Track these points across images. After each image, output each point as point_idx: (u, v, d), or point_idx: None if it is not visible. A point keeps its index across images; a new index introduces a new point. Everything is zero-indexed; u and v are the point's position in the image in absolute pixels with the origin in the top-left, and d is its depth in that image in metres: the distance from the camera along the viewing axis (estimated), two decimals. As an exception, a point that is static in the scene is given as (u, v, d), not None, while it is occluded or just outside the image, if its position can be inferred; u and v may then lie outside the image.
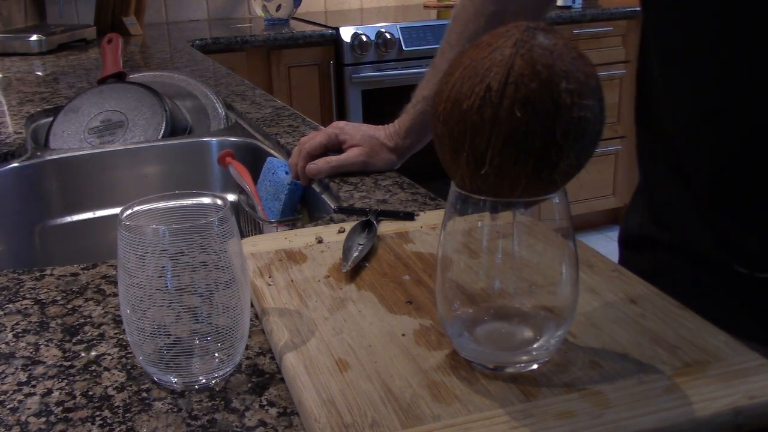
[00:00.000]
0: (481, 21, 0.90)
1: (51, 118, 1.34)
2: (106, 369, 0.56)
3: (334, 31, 2.64)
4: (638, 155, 0.81)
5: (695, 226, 0.73)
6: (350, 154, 0.98)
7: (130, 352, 0.57)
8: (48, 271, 0.73)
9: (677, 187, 0.74)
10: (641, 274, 0.69)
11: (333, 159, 0.98)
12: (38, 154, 1.20)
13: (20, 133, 1.28)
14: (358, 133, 0.99)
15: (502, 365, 0.51)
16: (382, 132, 0.99)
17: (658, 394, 0.48)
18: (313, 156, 0.99)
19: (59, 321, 0.63)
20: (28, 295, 0.68)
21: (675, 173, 0.74)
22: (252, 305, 0.62)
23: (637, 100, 0.79)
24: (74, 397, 0.52)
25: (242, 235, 0.91)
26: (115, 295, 0.68)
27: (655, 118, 0.76)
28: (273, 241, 0.75)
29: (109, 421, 0.50)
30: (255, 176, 1.07)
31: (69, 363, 0.57)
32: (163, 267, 0.49)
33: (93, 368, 0.56)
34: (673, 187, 0.75)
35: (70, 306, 0.66)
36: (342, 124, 1.01)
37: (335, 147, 1.00)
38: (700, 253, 0.73)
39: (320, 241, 0.74)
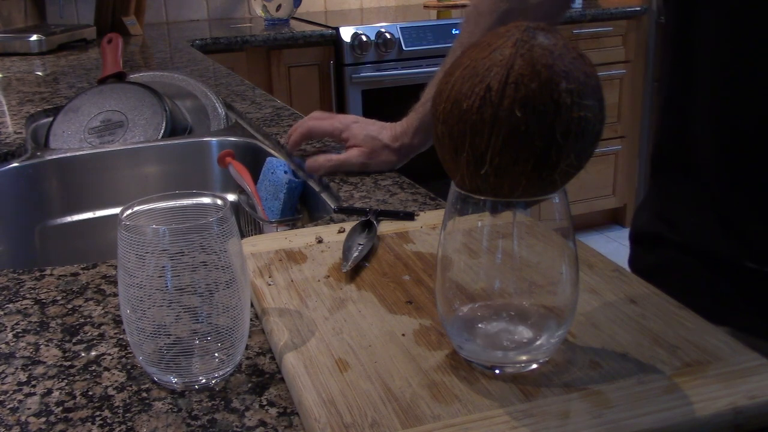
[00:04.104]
0: (491, 20, 0.89)
1: (51, 118, 1.34)
2: (106, 369, 0.56)
3: (334, 31, 2.64)
4: (651, 154, 0.81)
5: (705, 223, 0.73)
6: (350, 155, 0.98)
7: (130, 352, 0.57)
8: (48, 271, 0.73)
9: (688, 184, 0.74)
10: (649, 271, 0.69)
11: (333, 158, 0.98)
12: (38, 154, 1.20)
13: (20, 133, 1.28)
14: (361, 134, 0.99)
15: (502, 365, 0.51)
16: (388, 132, 0.98)
17: (658, 394, 0.48)
18: (311, 137, 1.03)
19: (59, 321, 0.63)
20: (28, 295, 0.68)
21: (687, 170, 0.74)
22: (252, 305, 0.62)
23: (657, 95, 0.80)
24: (74, 397, 0.52)
25: (242, 235, 0.91)
26: (115, 295, 0.68)
27: (670, 114, 0.76)
28: (273, 241, 0.75)
29: (109, 421, 0.50)
30: (255, 176, 1.07)
31: (69, 363, 0.57)
32: (163, 267, 0.49)
33: (93, 368, 0.56)
34: (684, 184, 0.75)
35: (70, 306, 0.66)
36: (351, 120, 1.01)
37: (338, 142, 1.01)
38: (709, 250, 0.73)
39: (320, 241, 0.74)
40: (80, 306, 0.66)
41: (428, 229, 0.77)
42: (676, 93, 0.74)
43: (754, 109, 0.66)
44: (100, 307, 0.65)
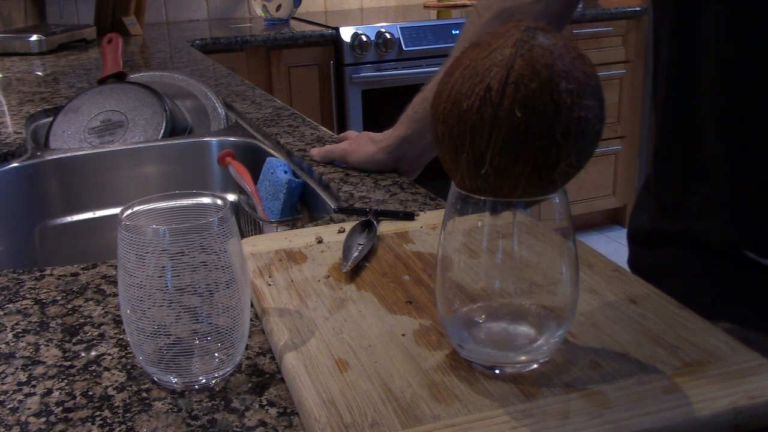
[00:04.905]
0: (488, 16, 0.89)
1: (51, 118, 1.34)
2: (106, 369, 0.56)
3: (334, 31, 2.64)
4: (654, 145, 0.81)
5: (708, 212, 0.72)
6: (337, 145, 1.04)
7: (130, 352, 0.57)
8: (48, 271, 0.73)
9: (692, 174, 0.74)
10: (650, 270, 0.69)
11: (325, 147, 1.05)
12: (38, 154, 1.20)
13: (20, 133, 1.28)
14: (357, 134, 1.04)
15: (502, 365, 0.51)
16: (380, 133, 1.00)
17: (658, 394, 0.48)
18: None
19: (59, 321, 0.63)
20: (28, 295, 0.68)
21: (691, 160, 0.74)
22: (252, 305, 0.62)
23: (653, 87, 0.79)
24: (74, 397, 0.52)
25: (242, 235, 0.91)
26: (115, 295, 0.68)
27: (673, 107, 0.76)
28: (273, 241, 0.75)
29: (109, 421, 0.50)
30: (255, 176, 1.07)
31: (69, 363, 0.57)
32: (163, 267, 0.49)
33: (93, 368, 0.56)
34: (686, 174, 0.75)
35: (70, 306, 0.66)
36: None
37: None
38: (710, 242, 0.73)
39: (320, 241, 0.74)
40: (80, 306, 0.66)
41: (428, 229, 0.77)
42: (678, 87, 0.74)
43: (761, 97, 0.66)
44: (100, 307, 0.65)
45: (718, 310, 0.63)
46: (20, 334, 0.61)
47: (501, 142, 0.45)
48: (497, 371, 0.51)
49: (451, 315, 0.53)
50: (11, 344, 0.60)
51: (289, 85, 2.63)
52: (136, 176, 1.24)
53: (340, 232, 0.77)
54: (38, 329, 0.62)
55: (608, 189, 3.23)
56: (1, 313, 0.65)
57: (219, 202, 0.54)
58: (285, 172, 1.03)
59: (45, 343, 0.60)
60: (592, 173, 3.13)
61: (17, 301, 0.67)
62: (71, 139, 1.28)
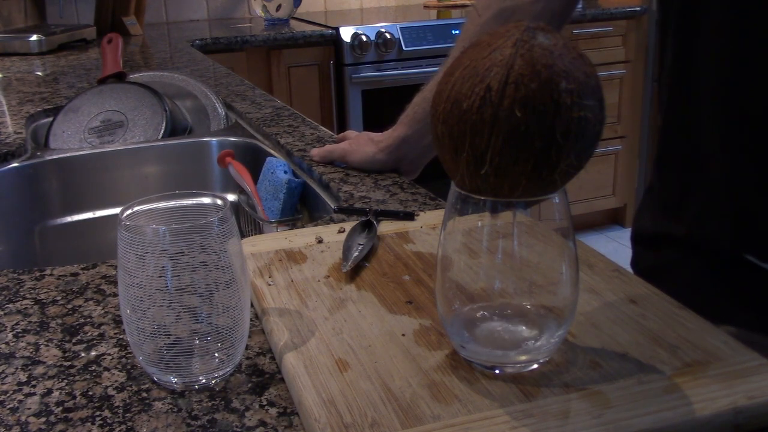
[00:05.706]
0: (488, 16, 0.89)
1: (51, 118, 1.34)
2: (106, 369, 0.56)
3: (334, 31, 2.64)
4: (657, 146, 0.81)
5: (709, 215, 0.72)
6: (337, 145, 1.04)
7: (130, 352, 0.57)
8: (48, 271, 0.73)
9: (695, 174, 0.74)
10: (652, 272, 0.68)
11: (325, 147, 1.05)
12: (38, 154, 1.20)
13: (20, 133, 1.28)
14: (358, 134, 1.04)
15: (502, 365, 0.51)
16: (379, 133, 1.00)
17: (658, 394, 0.48)
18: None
19: (59, 321, 0.63)
20: (28, 295, 0.68)
21: (693, 160, 0.74)
22: (252, 305, 0.62)
23: (658, 88, 0.79)
24: (74, 397, 0.52)
25: (242, 235, 0.91)
26: (115, 295, 0.68)
27: (675, 107, 0.76)
28: (273, 241, 0.75)
29: (109, 421, 0.50)
30: (255, 176, 1.07)
31: (69, 363, 0.57)
32: (163, 267, 0.49)
33: (93, 368, 0.56)
34: (689, 175, 0.75)
35: (70, 306, 0.66)
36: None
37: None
38: (712, 246, 0.73)
39: (320, 241, 0.74)
40: (80, 306, 0.66)
41: (428, 229, 0.77)
42: (679, 88, 0.74)
43: (762, 99, 0.66)
44: (100, 307, 0.65)
45: (721, 313, 0.63)
46: (20, 334, 0.61)
47: (501, 142, 0.45)
48: (497, 371, 0.51)
49: (451, 315, 0.53)
50: (11, 344, 0.60)
51: (289, 85, 2.63)
52: (136, 176, 1.24)
53: (340, 232, 0.77)
54: (38, 329, 0.62)
55: (608, 189, 3.23)
56: (1, 313, 0.65)
57: (219, 202, 0.54)
58: (285, 172, 1.03)
59: (45, 343, 0.60)
60: (592, 173, 3.14)
61: (17, 301, 0.67)
62: (71, 139, 1.28)
